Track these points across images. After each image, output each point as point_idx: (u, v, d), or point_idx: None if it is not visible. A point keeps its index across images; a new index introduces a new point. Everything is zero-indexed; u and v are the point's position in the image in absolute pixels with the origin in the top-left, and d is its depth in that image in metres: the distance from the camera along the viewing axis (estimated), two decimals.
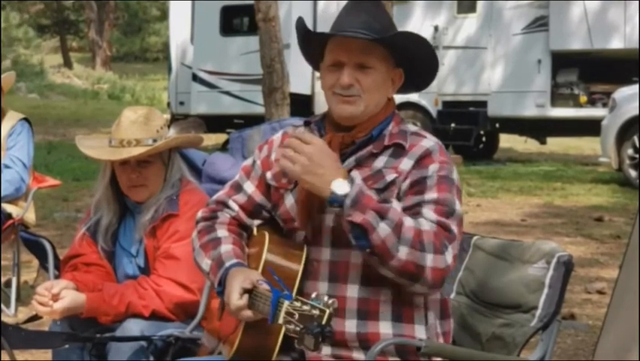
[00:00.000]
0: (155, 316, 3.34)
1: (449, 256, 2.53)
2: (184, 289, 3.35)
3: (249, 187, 2.86)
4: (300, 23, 2.78)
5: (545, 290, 2.80)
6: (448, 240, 2.55)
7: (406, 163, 2.66)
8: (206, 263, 2.77)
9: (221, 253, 2.74)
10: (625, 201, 10.78)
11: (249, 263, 2.74)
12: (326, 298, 2.35)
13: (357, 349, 2.63)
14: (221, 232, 2.81)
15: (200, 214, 2.92)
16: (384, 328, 2.64)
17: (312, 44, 2.80)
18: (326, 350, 2.63)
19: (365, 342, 2.61)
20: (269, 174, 2.82)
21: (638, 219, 2.41)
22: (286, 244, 2.75)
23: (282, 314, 2.40)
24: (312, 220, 2.68)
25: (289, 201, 2.75)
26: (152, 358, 3.23)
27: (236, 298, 2.58)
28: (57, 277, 4.36)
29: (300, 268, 2.65)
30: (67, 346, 3.32)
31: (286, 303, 2.40)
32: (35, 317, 3.53)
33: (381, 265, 2.52)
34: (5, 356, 3.57)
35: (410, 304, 2.67)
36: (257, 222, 2.87)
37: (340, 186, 2.52)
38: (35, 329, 3.62)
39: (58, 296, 3.29)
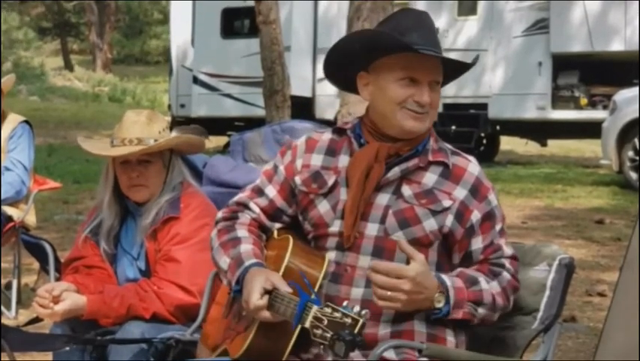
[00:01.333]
0: (155, 318, 3.34)
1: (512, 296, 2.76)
2: (185, 291, 3.35)
3: (271, 191, 2.86)
4: (374, 35, 2.80)
5: (547, 293, 2.80)
6: (516, 269, 2.77)
7: (459, 191, 2.71)
8: (224, 261, 2.77)
9: (241, 253, 2.74)
10: (626, 204, 10.77)
11: (268, 265, 2.73)
12: (357, 307, 2.34)
13: (389, 349, 2.61)
14: (242, 232, 2.82)
15: (220, 214, 2.93)
16: (419, 326, 2.66)
17: (363, 54, 2.75)
18: (355, 352, 2.63)
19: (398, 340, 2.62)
20: (298, 180, 2.82)
21: (639, 222, 2.40)
22: (308, 250, 2.76)
23: (310, 318, 2.39)
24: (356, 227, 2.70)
25: (323, 206, 2.75)
26: (152, 360, 3.23)
27: (256, 297, 2.57)
28: (58, 279, 4.37)
29: (321, 275, 2.65)
30: (67, 348, 3.32)
31: (315, 308, 2.39)
32: (36, 320, 3.54)
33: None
34: (6, 358, 3.57)
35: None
36: (277, 225, 2.88)
37: (441, 300, 2.60)
38: (36, 332, 3.62)
39: (59, 298, 3.28)
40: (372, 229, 2.67)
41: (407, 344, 2.61)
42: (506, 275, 2.71)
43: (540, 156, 18.64)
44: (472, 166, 2.78)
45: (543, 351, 2.77)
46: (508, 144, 19.05)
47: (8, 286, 6.07)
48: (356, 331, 2.31)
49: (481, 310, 2.64)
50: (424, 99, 2.69)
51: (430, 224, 2.67)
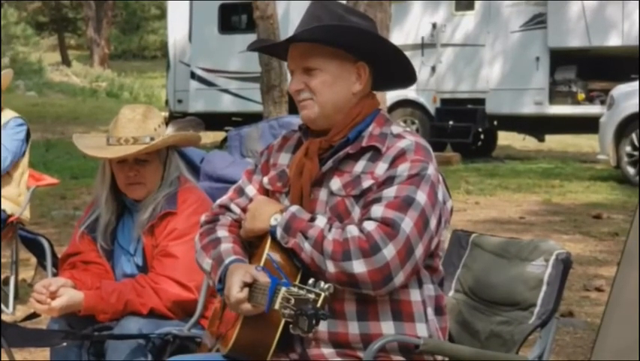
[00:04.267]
0: (153, 314, 3.34)
1: (388, 252, 2.51)
2: (182, 287, 3.35)
3: (251, 191, 2.88)
4: (252, 47, 2.90)
5: (544, 288, 2.80)
6: (388, 236, 2.52)
7: (381, 167, 2.65)
8: (207, 263, 2.79)
9: (221, 252, 2.76)
10: (623, 199, 10.77)
11: (252, 262, 2.75)
12: (322, 283, 2.36)
13: (362, 350, 2.62)
14: (222, 233, 2.83)
15: (203, 218, 2.94)
16: (387, 328, 2.63)
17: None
18: (331, 351, 2.64)
19: (369, 343, 2.60)
20: (265, 179, 2.86)
21: (637, 217, 2.40)
22: None
23: (279, 300, 2.41)
24: None
25: (286, 205, 2.76)
26: (150, 356, 3.23)
27: (236, 290, 2.59)
28: (55, 275, 4.36)
29: (301, 269, 2.65)
30: (65, 344, 3.32)
31: (283, 289, 2.42)
32: (33, 315, 3.53)
33: (326, 280, 2.54)
34: (4, 354, 3.57)
35: (408, 302, 2.66)
36: None
37: (276, 219, 2.67)
38: (33, 327, 3.63)
39: (56, 294, 3.28)
40: (321, 222, 2.64)
41: (406, 339, 2.61)
42: (353, 230, 2.56)
43: (538, 151, 18.64)
44: (402, 142, 2.67)
45: (540, 346, 2.77)
46: (506, 139, 19.06)
47: (6, 281, 6.06)
48: (318, 305, 2.32)
49: (306, 245, 2.58)
50: (290, 87, 2.74)
51: (357, 213, 2.64)
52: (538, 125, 16.39)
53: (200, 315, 3.32)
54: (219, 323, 2.85)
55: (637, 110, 11.53)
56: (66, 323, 3.38)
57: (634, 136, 11.69)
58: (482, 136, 17.54)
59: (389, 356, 2.62)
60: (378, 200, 2.59)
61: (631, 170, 11.81)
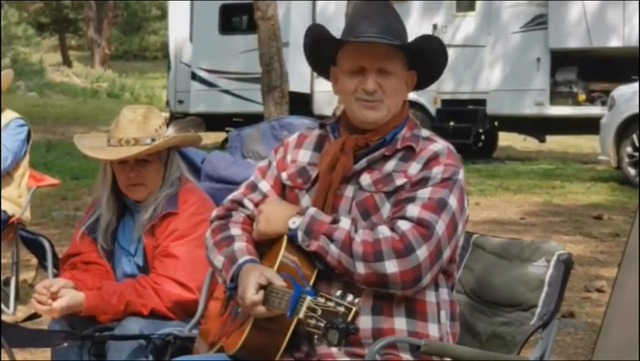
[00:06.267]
0: (154, 314, 3.34)
1: (422, 253, 2.55)
2: (183, 287, 3.35)
3: (265, 186, 2.88)
4: (319, 29, 2.80)
5: (545, 289, 2.80)
6: (423, 237, 2.57)
7: (414, 167, 2.69)
8: (218, 260, 2.78)
9: (235, 250, 2.75)
10: (624, 200, 10.77)
11: (263, 262, 2.74)
12: (350, 297, 2.37)
13: (370, 346, 2.61)
14: (235, 230, 2.83)
15: (214, 213, 2.94)
16: (399, 324, 2.65)
17: (325, 49, 2.81)
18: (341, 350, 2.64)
19: (379, 338, 2.61)
20: (284, 175, 2.85)
21: (638, 218, 2.40)
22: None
23: (304, 309, 2.41)
24: None
25: (306, 201, 2.78)
26: (151, 357, 3.23)
27: (252, 293, 2.59)
28: (56, 275, 4.37)
29: (315, 270, 2.65)
30: (66, 345, 3.32)
31: (309, 298, 2.42)
32: (34, 316, 3.54)
33: (352, 281, 2.58)
34: (5, 355, 3.57)
35: (423, 302, 2.67)
36: None
37: (294, 222, 2.66)
38: (34, 328, 3.63)
39: (57, 295, 3.29)
40: (345, 224, 2.65)
41: (406, 340, 2.62)
42: (385, 231, 2.59)
43: (538, 152, 18.63)
44: (434, 145, 2.73)
45: (541, 347, 2.77)
46: (507, 140, 19.05)
47: (7, 282, 6.06)
48: (349, 319, 2.33)
49: (332, 247, 2.59)
50: (368, 86, 2.69)
51: (386, 210, 2.67)
52: (538, 126, 16.40)
53: (201, 315, 3.32)
54: (218, 322, 2.85)
55: (637, 111, 11.52)
56: (67, 323, 3.39)
57: (635, 137, 11.68)
58: (483, 137, 17.52)
59: (399, 353, 2.63)
60: (412, 199, 2.62)
61: (632, 171, 11.80)
